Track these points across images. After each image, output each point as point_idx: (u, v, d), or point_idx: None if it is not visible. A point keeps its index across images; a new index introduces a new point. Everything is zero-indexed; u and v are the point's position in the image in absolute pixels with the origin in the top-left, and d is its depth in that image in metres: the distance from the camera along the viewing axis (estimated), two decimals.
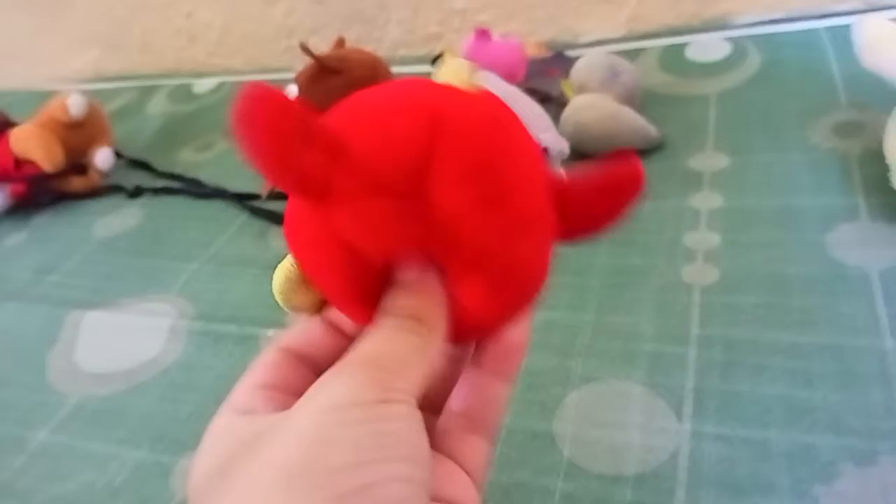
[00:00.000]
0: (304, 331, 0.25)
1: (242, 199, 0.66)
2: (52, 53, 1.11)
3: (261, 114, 0.19)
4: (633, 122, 0.57)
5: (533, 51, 0.73)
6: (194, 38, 1.00)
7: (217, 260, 0.60)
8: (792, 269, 0.44)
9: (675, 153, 0.57)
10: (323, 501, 0.17)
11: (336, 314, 0.24)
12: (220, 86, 0.92)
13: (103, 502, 0.42)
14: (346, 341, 0.24)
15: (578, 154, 0.56)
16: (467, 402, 0.24)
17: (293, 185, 0.21)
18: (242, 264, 0.59)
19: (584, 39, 0.80)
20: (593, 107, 0.57)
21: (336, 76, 0.59)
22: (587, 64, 0.61)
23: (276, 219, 0.62)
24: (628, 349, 0.42)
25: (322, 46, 0.62)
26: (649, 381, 0.40)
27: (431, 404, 0.24)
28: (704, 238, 0.48)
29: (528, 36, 0.80)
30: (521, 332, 0.24)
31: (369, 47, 0.65)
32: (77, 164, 0.75)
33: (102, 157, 0.76)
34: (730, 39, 0.70)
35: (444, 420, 0.24)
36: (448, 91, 0.22)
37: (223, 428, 0.21)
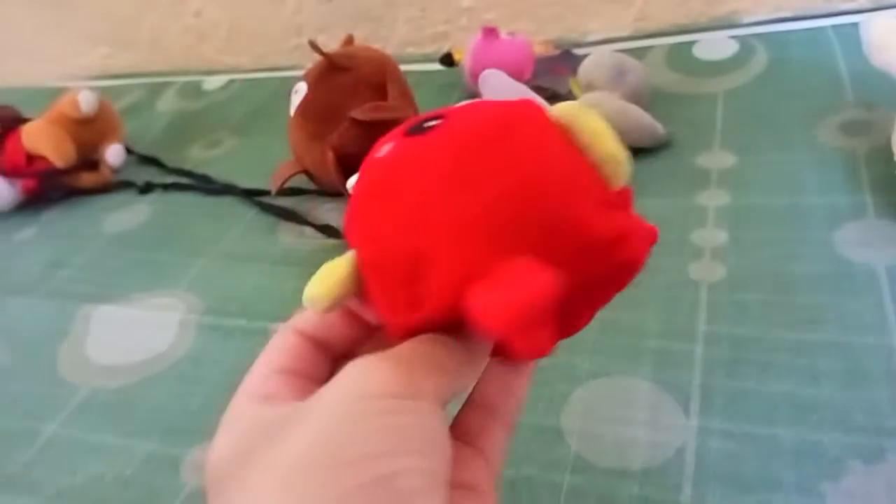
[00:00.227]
0: (321, 316, 0.24)
1: (252, 196, 0.67)
2: (62, 51, 1.11)
3: None
4: (641, 120, 0.57)
5: (540, 49, 0.73)
6: (203, 35, 1.00)
7: (226, 255, 0.61)
8: (799, 266, 0.44)
9: (683, 151, 0.57)
10: (336, 492, 0.17)
11: (355, 304, 0.24)
12: (230, 83, 0.93)
13: (113, 494, 0.43)
14: (365, 331, 0.24)
15: None
16: (488, 393, 0.24)
17: None
18: (252, 260, 0.59)
19: (591, 38, 0.80)
20: (601, 105, 0.57)
21: (345, 73, 0.59)
22: (595, 62, 0.61)
23: (285, 215, 0.63)
24: (635, 345, 0.42)
25: (330, 45, 0.62)
26: (656, 377, 0.40)
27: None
28: (712, 235, 0.48)
29: (536, 34, 0.81)
30: None
31: (377, 45, 0.66)
32: (88, 160, 0.75)
33: (113, 154, 0.76)
34: (737, 38, 0.70)
35: (465, 409, 0.24)
36: None
37: (242, 414, 0.21)
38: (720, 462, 0.35)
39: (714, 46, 0.70)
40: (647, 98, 0.61)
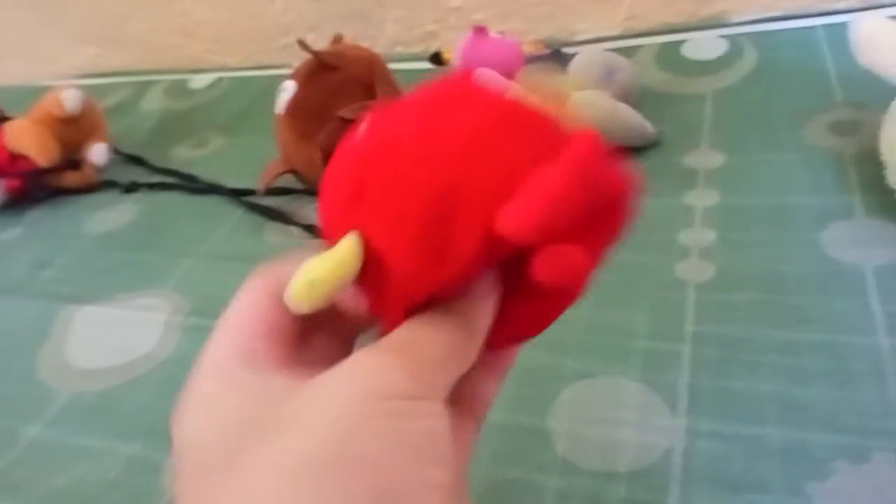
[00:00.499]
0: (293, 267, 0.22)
1: (238, 195, 0.66)
2: (49, 50, 1.11)
3: None
4: (630, 120, 0.57)
5: (530, 48, 0.73)
6: (191, 34, 1.00)
7: (212, 256, 0.60)
8: (787, 266, 0.44)
9: (671, 150, 0.57)
10: (357, 497, 0.16)
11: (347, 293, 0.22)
12: (217, 82, 0.92)
13: (95, 497, 0.42)
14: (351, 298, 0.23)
15: None
16: (460, 392, 0.23)
17: None
18: (238, 260, 0.59)
19: (580, 37, 0.80)
20: (590, 104, 0.57)
21: (333, 72, 0.59)
22: (584, 61, 0.61)
23: (272, 215, 0.62)
24: (623, 346, 0.42)
25: (319, 44, 0.62)
26: (644, 377, 0.40)
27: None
28: (699, 235, 0.48)
29: (525, 34, 0.80)
30: None
31: (366, 44, 0.65)
32: (72, 160, 0.75)
33: (97, 153, 0.76)
34: (726, 37, 0.70)
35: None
36: None
37: (229, 381, 0.20)
38: (708, 463, 0.35)
39: (703, 46, 0.70)
40: (636, 97, 0.61)
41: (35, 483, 0.44)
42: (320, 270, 0.20)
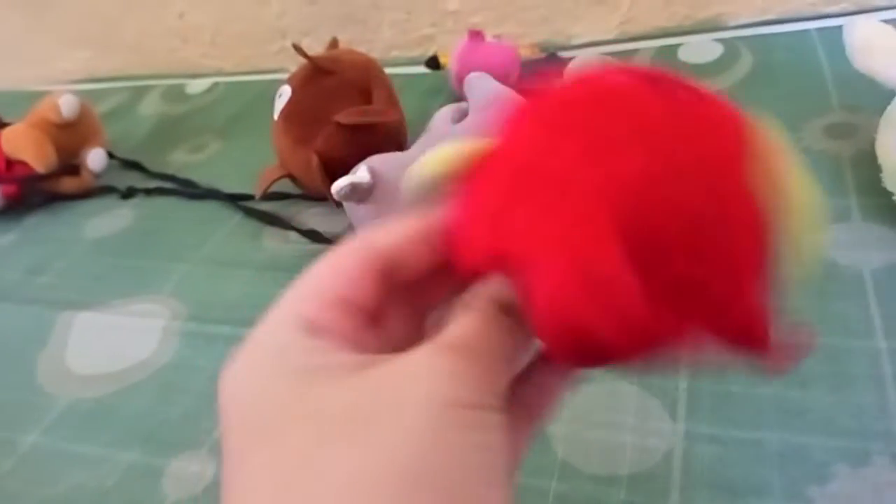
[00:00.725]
0: (395, 237, 0.21)
1: (236, 200, 0.66)
2: (43, 54, 1.10)
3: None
4: None
5: (526, 52, 0.73)
6: (187, 38, 1.00)
7: (210, 261, 0.60)
8: (784, 269, 0.44)
9: None
10: None
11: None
12: (214, 86, 0.92)
13: None
14: (435, 268, 0.21)
15: None
16: (525, 393, 0.22)
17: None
18: (236, 265, 0.59)
19: (576, 41, 0.80)
20: None
21: (329, 77, 0.59)
22: (580, 65, 0.61)
23: (269, 220, 0.62)
24: None
25: (315, 48, 0.62)
26: (643, 381, 0.40)
27: None
28: None
29: (522, 38, 0.80)
30: None
31: (362, 49, 0.65)
32: (69, 165, 0.74)
33: (94, 158, 0.75)
34: (722, 41, 0.70)
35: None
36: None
37: (285, 346, 0.19)
38: (707, 467, 0.35)
39: (699, 49, 0.70)
40: None
41: (32, 492, 0.44)
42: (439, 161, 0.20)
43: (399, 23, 0.87)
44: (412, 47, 0.88)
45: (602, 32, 0.80)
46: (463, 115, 0.55)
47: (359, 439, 0.16)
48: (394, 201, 0.48)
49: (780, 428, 0.36)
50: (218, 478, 0.33)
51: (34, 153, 0.71)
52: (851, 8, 0.69)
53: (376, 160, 0.50)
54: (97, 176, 0.76)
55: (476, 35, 0.69)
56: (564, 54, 0.71)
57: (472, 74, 0.58)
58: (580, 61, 0.62)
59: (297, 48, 0.58)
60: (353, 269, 0.20)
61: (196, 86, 0.93)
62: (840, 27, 0.53)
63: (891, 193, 0.45)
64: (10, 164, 0.72)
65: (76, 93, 0.76)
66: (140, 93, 0.96)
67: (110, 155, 0.78)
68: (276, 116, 0.60)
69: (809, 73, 0.61)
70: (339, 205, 0.52)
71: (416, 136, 0.55)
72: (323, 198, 0.59)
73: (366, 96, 0.59)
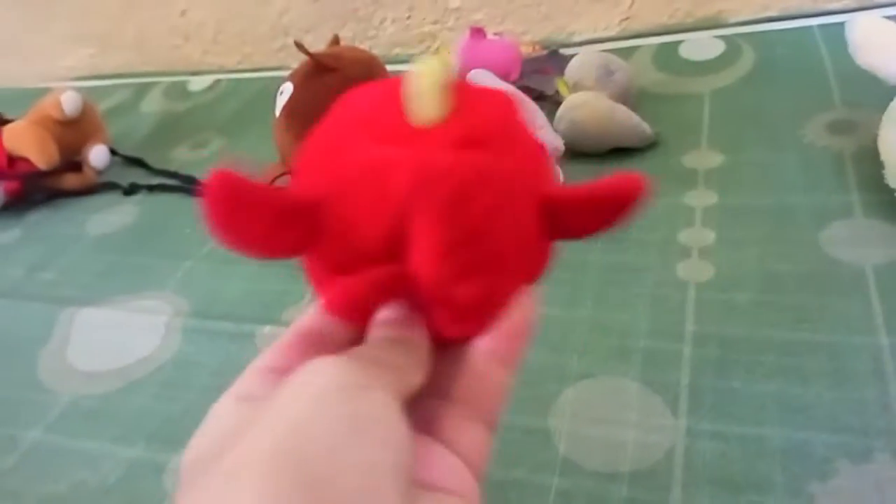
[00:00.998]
0: (321, 315, 0.23)
1: None
2: (46, 51, 1.10)
3: (226, 206, 0.20)
4: (628, 120, 0.57)
5: (527, 49, 0.73)
6: (189, 36, 1.00)
7: (212, 257, 0.60)
8: (786, 266, 0.44)
9: (670, 151, 0.57)
10: (294, 488, 0.17)
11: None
12: (216, 84, 0.92)
13: (96, 501, 0.42)
14: (360, 332, 0.23)
15: (573, 151, 0.56)
16: (464, 388, 0.23)
17: (276, 257, 0.21)
18: (237, 262, 0.58)
19: (578, 38, 0.80)
20: (588, 105, 0.57)
21: (331, 74, 0.59)
22: (581, 62, 0.61)
23: None
24: (624, 346, 0.42)
25: (317, 45, 0.62)
26: (645, 377, 0.40)
27: (428, 390, 0.24)
28: (699, 235, 0.48)
29: (523, 35, 0.81)
30: (521, 317, 0.24)
31: (364, 46, 0.65)
32: (71, 162, 0.74)
33: (97, 155, 0.76)
34: (723, 38, 0.70)
35: (438, 405, 0.23)
36: (431, 133, 0.21)
37: (220, 413, 0.21)
38: (709, 463, 0.35)
39: (700, 46, 0.70)
40: (633, 98, 0.61)
41: (34, 488, 0.44)
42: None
43: (401, 20, 0.87)
44: (414, 44, 0.88)
45: (603, 29, 0.80)
46: None
47: (251, 435, 0.18)
48: None
49: (781, 424, 0.36)
50: None
51: (36, 150, 0.71)
52: (853, 4, 0.69)
53: None
54: (99, 173, 0.76)
55: (477, 32, 0.69)
56: (566, 51, 0.71)
57: (474, 71, 0.58)
58: (581, 58, 0.62)
59: (299, 45, 0.57)
60: (283, 344, 0.23)
61: (198, 83, 0.93)
62: (842, 24, 0.53)
63: (893, 190, 0.45)
64: (13, 160, 0.72)
65: (79, 90, 0.76)
66: (142, 90, 0.96)
67: (113, 152, 0.78)
68: (277, 113, 0.60)
69: (811, 70, 0.61)
70: None
71: None
72: None
73: None
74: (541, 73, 0.69)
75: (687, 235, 0.49)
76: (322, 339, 0.23)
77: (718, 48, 0.69)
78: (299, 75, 0.60)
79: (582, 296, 0.46)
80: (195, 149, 0.78)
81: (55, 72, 1.09)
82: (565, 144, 0.54)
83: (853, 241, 0.45)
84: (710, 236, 0.48)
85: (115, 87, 0.99)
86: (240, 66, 0.97)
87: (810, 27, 0.67)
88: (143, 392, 0.49)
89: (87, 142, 0.76)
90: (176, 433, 0.45)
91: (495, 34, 0.70)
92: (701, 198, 0.51)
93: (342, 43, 0.66)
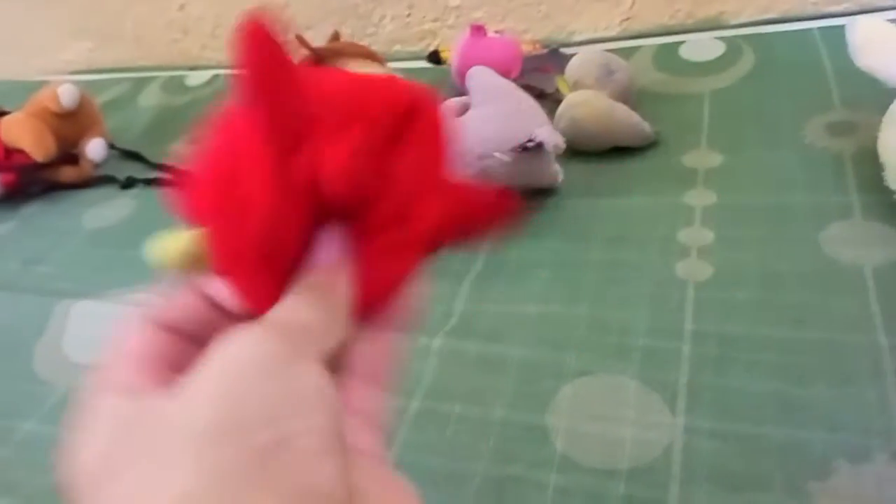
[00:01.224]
0: (180, 305, 0.24)
1: None
2: (44, 45, 1.10)
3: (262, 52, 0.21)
4: (628, 119, 0.57)
5: (528, 48, 0.73)
6: (187, 30, 0.99)
7: None
8: (785, 265, 0.44)
9: (670, 150, 0.57)
10: (237, 458, 0.17)
11: (212, 288, 0.24)
12: (214, 78, 0.92)
13: None
14: (226, 317, 0.23)
15: (573, 150, 0.56)
16: (364, 358, 0.24)
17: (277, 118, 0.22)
18: None
19: (578, 37, 0.80)
20: (588, 104, 0.57)
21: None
22: (582, 61, 0.61)
23: None
24: (622, 344, 0.42)
25: (317, 41, 0.62)
26: (643, 375, 0.40)
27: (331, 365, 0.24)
28: (698, 234, 0.48)
29: (523, 33, 0.81)
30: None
31: (364, 43, 0.65)
32: (68, 155, 0.74)
33: (94, 148, 0.75)
34: (724, 39, 0.70)
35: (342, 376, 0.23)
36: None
37: (108, 409, 0.20)
38: (707, 461, 0.35)
39: (701, 47, 0.70)
40: (633, 97, 0.61)
41: (30, 479, 0.44)
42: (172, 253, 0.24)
43: (401, 17, 0.87)
44: (414, 42, 0.88)
45: (604, 29, 0.80)
46: (464, 109, 0.55)
47: (167, 418, 0.18)
48: None
49: (780, 423, 0.36)
50: None
51: (33, 142, 0.71)
52: (854, 7, 0.69)
53: None
54: (96, 166, 0.76)
55: (478, 30, 0.68)
56: (566, 50, 0.71)
57: (474, 69, 0.58)
58: (582, 57, 0.62)
59: (300, 40, 0.57)
60: (149, 337, 0.23)
61: (196, 77, 0.93)
62: (842, 26, 0.53)
63: (892, 191, 0.45)
64: (9, 152, 0.72)
65: (77, 83, 0.76)
66: (140, 84, 0.95)
67: (110, 145, 0.78)
68: None
69: (811, 71, 0.61)
70: None
71: None
72: None
73: None
74: (541, 71, 0.69)
75: (686, 235, 0.49)
76: (188, 328, 0.23)
77: (719, 49, 0.69)
78: None
79: (580, 293, 0.46)
80: (193, 144, 0.78)
81: (54, 65, 1.09)
82: (565, 143, 0.54)
83: (852, 241, 0.45)
84: (709, 236, 0.48)
85: (113, 80, 0.99)
86: None
87: (811, 29, 0.67)
88: None
89: (85, 135, 0.76)
90: None
91: (496, 32, 0.70)
92: (700, 197, 0.52)
93: (342, 39, 0.66)
